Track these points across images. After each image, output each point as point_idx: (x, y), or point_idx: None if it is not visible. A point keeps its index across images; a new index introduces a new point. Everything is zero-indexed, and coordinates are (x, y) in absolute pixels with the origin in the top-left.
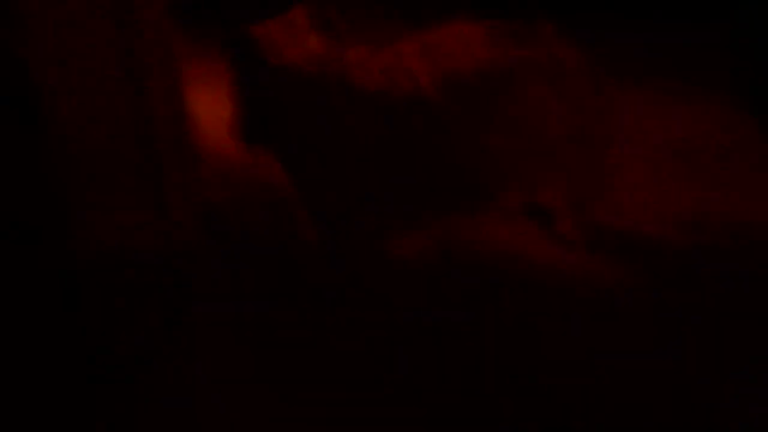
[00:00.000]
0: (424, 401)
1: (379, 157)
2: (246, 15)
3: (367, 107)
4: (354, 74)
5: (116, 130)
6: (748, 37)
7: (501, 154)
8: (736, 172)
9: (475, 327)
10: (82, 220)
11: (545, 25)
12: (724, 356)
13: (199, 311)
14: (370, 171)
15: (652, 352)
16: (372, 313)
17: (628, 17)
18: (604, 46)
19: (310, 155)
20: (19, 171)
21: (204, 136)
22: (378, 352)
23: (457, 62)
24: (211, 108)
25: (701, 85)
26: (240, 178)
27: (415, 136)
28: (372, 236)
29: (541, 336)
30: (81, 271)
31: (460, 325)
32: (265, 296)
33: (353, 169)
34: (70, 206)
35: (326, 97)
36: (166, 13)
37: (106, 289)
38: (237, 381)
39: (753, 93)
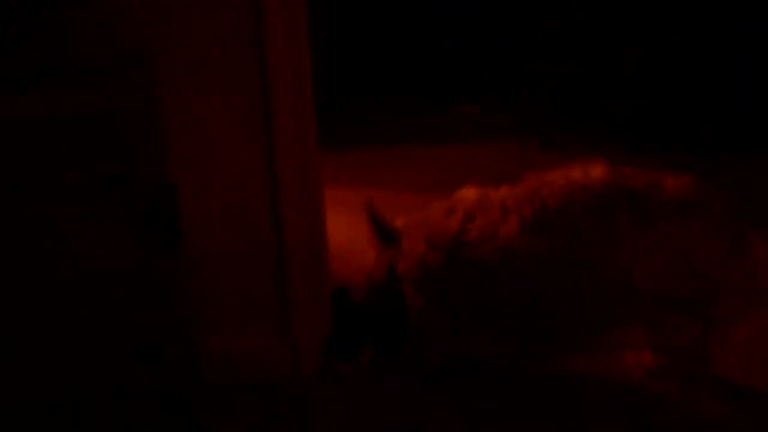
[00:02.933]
0: None
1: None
2: (380, 133)
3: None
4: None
5: (250, 257)
6: None
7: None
8: None
9: None
10: (210, 343)
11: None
12: None
13: None
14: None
15: None
16: None
17: None
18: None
19: None
20: (152, 293)
21: (338, 260)
22: None
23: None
24: (348, 233)
25: None
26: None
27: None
28: None
29: None
30: (205, 396)
31: None
32: None
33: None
34: (199, 330)
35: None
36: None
37: (230, 415)
38: None
39: None
